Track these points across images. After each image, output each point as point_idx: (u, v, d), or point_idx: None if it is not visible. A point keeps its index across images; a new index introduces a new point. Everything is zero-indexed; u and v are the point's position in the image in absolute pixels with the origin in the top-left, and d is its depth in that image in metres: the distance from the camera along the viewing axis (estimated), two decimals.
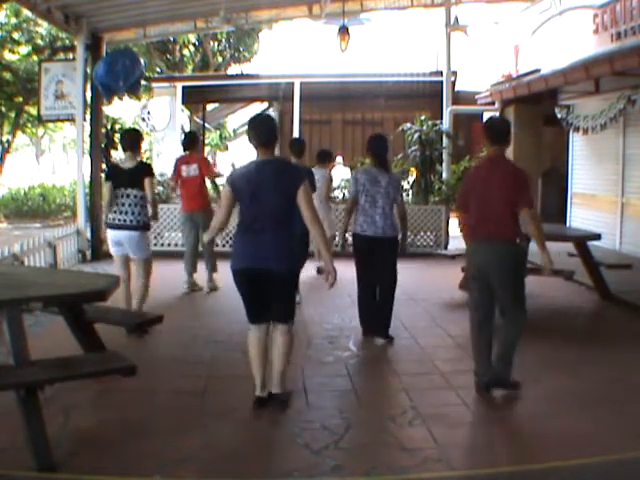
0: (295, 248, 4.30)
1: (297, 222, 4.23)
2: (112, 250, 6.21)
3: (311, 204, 4.17)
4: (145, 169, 6.17)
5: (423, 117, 12.45)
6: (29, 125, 20.40)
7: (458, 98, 13.52)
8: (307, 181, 4.22)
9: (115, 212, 6.02)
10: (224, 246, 10.47)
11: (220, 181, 10.00)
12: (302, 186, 4.12)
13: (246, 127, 4.59)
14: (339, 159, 15.63)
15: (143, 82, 11.17)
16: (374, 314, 5.90)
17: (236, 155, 23.75)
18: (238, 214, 4.29)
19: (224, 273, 8.39)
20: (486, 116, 13.13)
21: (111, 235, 6.12)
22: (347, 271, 8.81)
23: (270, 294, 4.21)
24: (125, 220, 5.98)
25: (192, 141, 8.09)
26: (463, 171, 12.39)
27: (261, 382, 4.31)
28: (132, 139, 6.23)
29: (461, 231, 4.88)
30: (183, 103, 16.34)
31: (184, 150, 8.09)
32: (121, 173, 6.09)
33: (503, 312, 4.54)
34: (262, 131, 4.22)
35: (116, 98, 9.67)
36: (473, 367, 4.63)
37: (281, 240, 4.16)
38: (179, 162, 7.98)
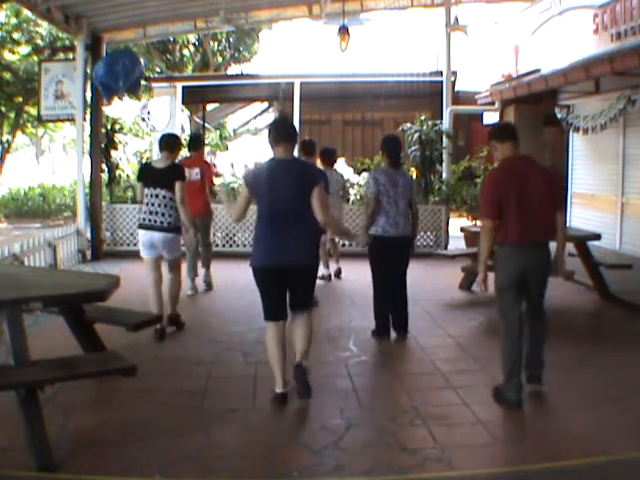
0: (315, 240, 4.48)
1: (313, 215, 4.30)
2: (143, 253, 5.91)
3: (324, 204, 4.29)
4: (176, 171, 5.89)
5: (423, 117, 12.45)
6: (29, 125, 20.35)
7: (458, 98, 13.51)
8: (323, 183, 4.33)
9: (145, 212, 5.80)
10: (224, 246, 10.49)
11: (217, 181, 9.92)
12: (318, 187, 4.25)
13: (269, 128, 4.59)
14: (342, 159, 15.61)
15: (143, 82, 11.15)
16: (390, 313, 5.89)
17: (236, 155, 23.70)
18: (257, 213, 4.34)
19: (221, 274, 8.59)
20: (486, 116, 13.15)
21: (143, 236, 5.83)
22: (347, 273, 8.93)
23: (291, 288, 4.36)
24: (156, 221, 5.75)
25: (196, 144, 7.96)
26: (463, 171, 12.41)
27: (282, 379, 4.34)
28: (170, 141, 6.10)
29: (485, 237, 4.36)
30: (183, 103, 16.33)
31: (188, 151, 8.02)
32: (152, 172, 5.92)
33: (533, 312, 4.43)
34: (284, 133, 4.34)
35: (116, 98, 9.69)
36: (500, 383, 4.35)
37: (302, 235, 4.27)
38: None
